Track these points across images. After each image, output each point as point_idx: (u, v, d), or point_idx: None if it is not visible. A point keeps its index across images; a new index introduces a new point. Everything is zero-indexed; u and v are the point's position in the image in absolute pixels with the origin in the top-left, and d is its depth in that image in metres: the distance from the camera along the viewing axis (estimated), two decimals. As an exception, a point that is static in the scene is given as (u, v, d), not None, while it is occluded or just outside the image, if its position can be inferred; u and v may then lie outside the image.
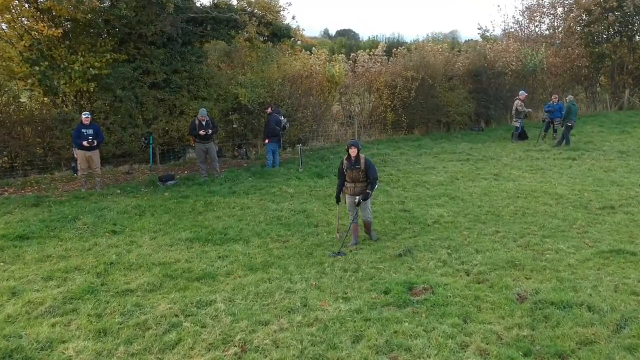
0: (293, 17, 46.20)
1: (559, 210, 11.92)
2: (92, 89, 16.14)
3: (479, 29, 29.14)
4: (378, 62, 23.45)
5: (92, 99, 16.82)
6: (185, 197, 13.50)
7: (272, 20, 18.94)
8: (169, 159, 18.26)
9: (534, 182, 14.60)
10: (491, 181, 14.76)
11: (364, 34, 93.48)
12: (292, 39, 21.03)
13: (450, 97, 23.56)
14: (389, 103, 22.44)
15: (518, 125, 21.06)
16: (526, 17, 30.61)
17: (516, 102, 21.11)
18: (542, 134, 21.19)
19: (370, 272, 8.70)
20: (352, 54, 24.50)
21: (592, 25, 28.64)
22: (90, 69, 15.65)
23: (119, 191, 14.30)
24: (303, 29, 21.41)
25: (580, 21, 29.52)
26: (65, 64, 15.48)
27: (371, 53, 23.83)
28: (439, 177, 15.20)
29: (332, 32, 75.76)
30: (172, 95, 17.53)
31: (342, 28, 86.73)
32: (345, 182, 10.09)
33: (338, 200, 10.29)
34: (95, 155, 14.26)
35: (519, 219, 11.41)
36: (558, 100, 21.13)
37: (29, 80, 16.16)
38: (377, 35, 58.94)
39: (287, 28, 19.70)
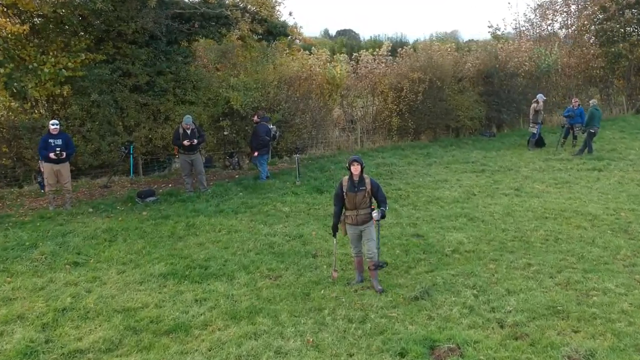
0: (290, 14, 43.46)
1: (597, 236, 10.25)
2: (65, 93, 14.46)
3: (489, 27, 27.49)
4: (382, 62, 21.77)
5: (66, 104, 15.14)
6: (165, 218, 11.81)
7: (266, 17, 17.24)
8: (153, 169, 16.58)
9: (560, 198, 12.92)
10: (512, 197, 13.07)
11: (365, 34, 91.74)
12: (290, 37, 19.34)
13: (459, 100, 21.88)
14: (395, 107, 20.75)
15: (535, 132, 19.37)
16: (538, 14, 28.93)
17: (533, 105, 19.41)
18: (561, 140, 19.51)
19: (380, 324, 7.03)
20: (355, 54, 22.82)
21: (607, 23, 26.93)
22: (63, 70, 13.96)
23: (91, 210, 12.61)
24: (301, 27, 19.71)
25: (595, 19, 27.83)
26: (35, 65, 13.78)
27: (375, 53, 22.16)
28: (454, 193, 13.51)
29: (332, 32, 73.99)
30: (156, 99, 15.85)
31: (342, 28, 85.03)
32: (345, 210, 8.34)
33: (335, 232, 8.54)
34: (65, 168, 12.57)
35: (551, 247, 9.74)
36: (579, 105, 19.42)
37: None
38: (378, 35, 57.21)
39: (284, 25, 18.01)
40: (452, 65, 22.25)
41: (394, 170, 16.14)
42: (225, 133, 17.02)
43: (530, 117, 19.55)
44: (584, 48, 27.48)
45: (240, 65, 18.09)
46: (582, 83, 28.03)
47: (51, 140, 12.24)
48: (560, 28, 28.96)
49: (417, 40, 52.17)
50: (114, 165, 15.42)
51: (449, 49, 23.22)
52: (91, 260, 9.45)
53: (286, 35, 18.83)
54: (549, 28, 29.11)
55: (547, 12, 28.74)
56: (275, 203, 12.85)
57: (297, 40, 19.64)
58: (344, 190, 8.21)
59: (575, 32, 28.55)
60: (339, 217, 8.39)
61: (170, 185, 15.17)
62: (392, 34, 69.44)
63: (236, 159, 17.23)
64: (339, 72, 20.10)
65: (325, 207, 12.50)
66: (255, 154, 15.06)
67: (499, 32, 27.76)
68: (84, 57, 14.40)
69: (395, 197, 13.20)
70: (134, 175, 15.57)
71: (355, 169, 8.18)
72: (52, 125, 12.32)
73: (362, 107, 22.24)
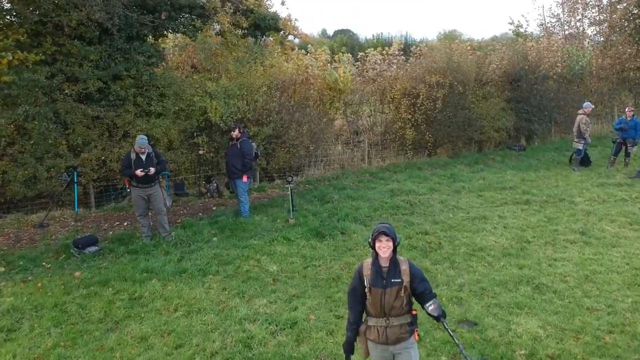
0: (282, 3, 38.66)
1: None
2: (-14, 104, 11.06)
3: (510, 23, 23.96)
4: (393, 63, 18.34)
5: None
6: (102, 284, 8.34)
7: (253, 7, 13.79)
8: (109, 199, 13.09)
9: (647, 248, 9.51)
10: (582, 247, 9.63)
11: (363, 34, 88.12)
12: (282, 32, 15.83)
13: (484, 108, 18.46)
14: (409, 117, 17.29)
15: (581, 148, 15.90)
16: (566, 9, 25.48)
17: (580, 117, 15.99)
18: (611, 158, 16.10)
19: None
20: (361, 54, 19.37)
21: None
22: (-19, 74, 10.57)
23: (2, 268, 9.15)
24: (296, 20, 16.18)
25: (630, 16, 24.39)
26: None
27: (384, 52, 18.73)
28: (501, 239, 10.06)
29: (330, 32, 70.29)
30: (110, 110, 12.44)
31: (340, 28, 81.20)
32: (367, 316, 4.91)
33: (349, 354, 5.03)
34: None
35: (678, 348, 6.32)
36: (633, 115, 15.98)
37: None
38: (381, 33, 53.59)
39: (274, 17, 14.57)
40: (475, 66, 18.80)
41: (414, 200, 12.68)
42: (201, 152, 13.55)
43: (575, 130, 16.09)
44: (619, 47, 24.04)
45: (221, 67, 14.61)
46: (616, 86, 24.58)
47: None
48: (591, 25, 25.47)
49: (422, 39, 48.81)
50: (55, 196, 11.92)
51: (470, 48, 19.81)
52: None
53: (278, 29, 15.35)
54: (578, 25, 25.64)
55: (577, 6, 25.29)
56: (260, 256, 9.39)
57: (292, 37, 16.14)
58: (366, 283, 4.79)
59: (608, 29, 25.09)
60: (356, 329, 4.94)
61: (126, 223, 11.68)
62: (396, 33, 65.87)
63: (215, 185, 13.74)
64: (342, 74, 16.66)
65: (328, 264, 9.07)
66: (245, 179, 11.63)
67: (521, 30, 24.26)
68: (11, 58, 10.93)
69: (423, 246, 9.74)
70: (79, 210, 12.06)
71: (385, 245, 4.77)
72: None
73: (369, 116, 18.76)
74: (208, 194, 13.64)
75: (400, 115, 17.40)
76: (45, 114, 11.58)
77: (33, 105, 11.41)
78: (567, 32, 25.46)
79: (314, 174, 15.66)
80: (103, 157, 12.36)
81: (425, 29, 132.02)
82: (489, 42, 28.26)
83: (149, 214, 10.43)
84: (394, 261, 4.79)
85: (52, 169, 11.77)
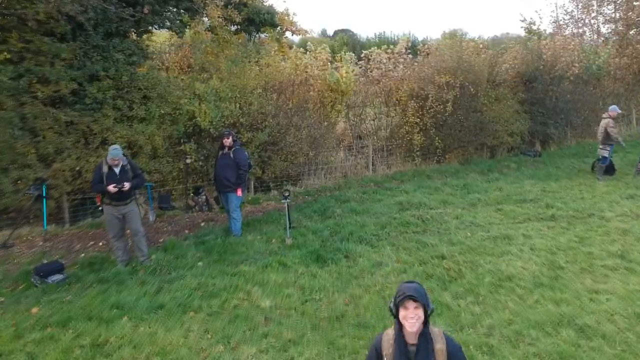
0: None
1: None
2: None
3: (522, 20, 22.56)
4: (400, 63, 17.01)
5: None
6: (63, 324, 6.98)
7: (246, 0, 12.42)
8: (85, 214, 11.73)
9: (701, 276, 8.17)
10: (625, 275, 8.27)
11: (363, 34, 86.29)
12: (279, 28, 14.43)
13: (497, 111, 17.12)
14: (417, 121, 15.94)
15: (606, 155, 14.54)
16: (580, 6, 24.14)
17: (605, 121, 14.63)
18: (638, 165, 14.75)
19: None
20: (365, 52, 18.03)
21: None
22: None
23: (-52, 303, 7.83)
24: (294, 14, 14.75)
25: (647, 12, 23.08)
26: None
27: (389, 51, 17.40)
28: (528, 265, 8.71)
29: (330, 32, 68.58)
30: (87, 115, 11.11)
31: (340, 28, 79.19)
32: None
33: None
34: None
35: None
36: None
37: None
38: (384, 32, 52.00)
39: (270, 12, 13.21)
40: (488, 66, 17.43)
41: (426, 215, 11.33)
42: (188, 161, 12.19)
43: (599, 135, 14.74)
44: (637, 45, 22.70)
45: (212, 67, 13.27)
46: (633, 87, 23.22)
47: None
48: (606, 22, 24.12)
49: (425, 39, 47.40)
50: (23, 212, 10.56)
51: (482, 46, 18.46)
52: None
53: (274, 25, 13.97)
54: (593, 22, 24.30)
55: (591, 2, 23.94)
56: (251, 287, 8.04)
57: (290, 33, 14.77)
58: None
59: (624, 26, 23.73)
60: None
61: (102, 243, 10.31)
62: (398, 32, 64.38)
63: (204, 197, 12.40)
64: (344, 75, 15.33)
65: (331, 296, 7.73)
66: (239, 192, 10.30)
67: (534, 27, 22.88)
68: (-31, 56, 9.63)
69: (441, 274, 8.38)
70: (48, 227, 10.69)
71: (413, 317, 3.45)
72: None
73: (373, 120, 17.38)
74: (196, 207, 12.30)
75: (407, 119, 16.03)
76: (10, 120, 10.26)
77: (-6, 109, 10.10)
78: (580, 30, 24.12)
79: (314, 184, 14.31)
80: (78, 167, 11.02)
81: (427, 29, 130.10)
82: (501, 41, 26.88)
83: (125, 235, 9.08)
84: (425, 336, 3.45)
85: (19, 181, 10.43)
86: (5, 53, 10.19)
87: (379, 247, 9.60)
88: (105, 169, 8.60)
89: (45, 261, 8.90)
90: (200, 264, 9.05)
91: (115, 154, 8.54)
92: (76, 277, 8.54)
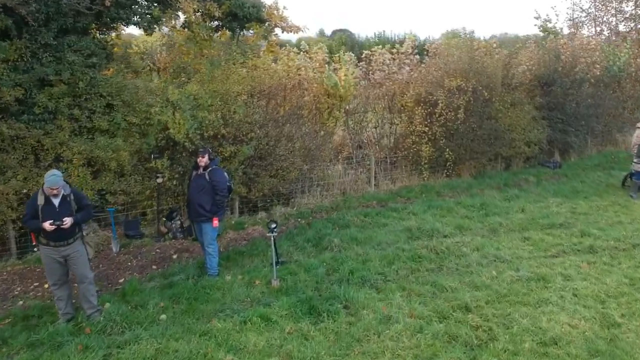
0: None
1: None
2: None
3: (536, 18, 20.77)
4: (405, 64, 15.22)
5: None
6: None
7: (227, -8, 10.64)
8: (35, 246, 9.89)
9: None
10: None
11: (362, 33, 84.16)
12: (267, 24, 12.52)
13: (514, 118, 15.34)
14: (425, 130, 14.14)
15: (640, 170, 12.80)
16: (598, 3, 22.34)
17: (639, 131, 12.88)
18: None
19: None
20: (366, 52, 16.24)
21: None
22: None
23: None
24: (285, 8, 12.81)
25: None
26: None
27: (394, 51, 15.62)
28: (575, 320, 6.89)
29: (328, 32, 66.47)
30: (36, 128, 9.29)
31: (339, 28, 76.88)
32: None
33: None
34: None
35: None
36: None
37: None
38: (384, 31, 49.94)
39: (256, 5, 11.38)
40: (502, 68, 15.65)
41: (441, 247, 9.50)
42: (159, 180, 10.36)
43: (634, 146, 12.97)
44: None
45: (189, 69, 11.47)
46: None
47: None
48: (625, 20, 22.34)
49: (427, 39, 45.58)
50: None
51: (495, 46, 16.68)
52: None
53: (261, 20, 12.08)
54: (610, 20, 22.51)
55: (610, -2, 22.20)
56: (224, 354, 6.22)
57: (280, 30, 12.84)
58: None
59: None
60: None
61: (47, 285, 8.45)
62: (399, 32, 62.57)
63: (179, 222, 10.58)
64: (343, 77, 13.54)
65: (328, 371, 5.93)
66: (216, 222, 8.51)
67: (550, 25, 21.09)
68: None
69: (467, 336, 6.53)
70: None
71: None
72: None
73: (374, 127, 15.53)
74: (169, 234, 10.47)
75: (414, 127, 14.22)
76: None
77: None
78: (598, 29, 22.34)
79: (307, 203, 12.47)
80: (26, 190, 9.20)
81: (426, 28, 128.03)
82: (511, 40, 25.11)
83: (69, 281, 7.25)
84: None
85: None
86: None
87: (385, 292, 7.78)
88: (41, 200, 6.78)
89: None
90: (163, 316, 7.22)
91: (53, 181, 6.70)
92: (2, 338, 6.71)
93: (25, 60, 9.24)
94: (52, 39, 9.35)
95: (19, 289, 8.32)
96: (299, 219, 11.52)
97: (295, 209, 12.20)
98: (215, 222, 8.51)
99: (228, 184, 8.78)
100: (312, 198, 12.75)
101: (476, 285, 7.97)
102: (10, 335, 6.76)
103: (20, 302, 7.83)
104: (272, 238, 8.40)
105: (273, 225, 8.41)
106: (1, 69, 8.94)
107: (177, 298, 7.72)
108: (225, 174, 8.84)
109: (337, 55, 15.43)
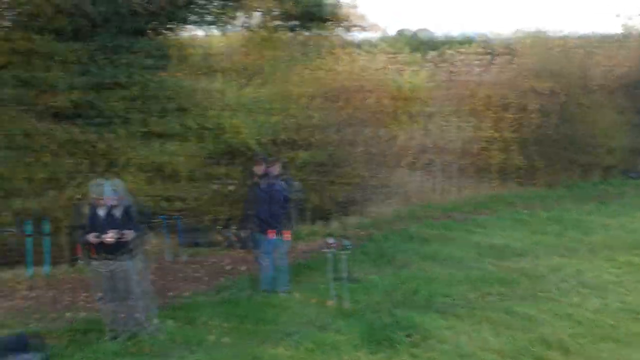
0: None
1: None
2: None
3: (617, 16, 19.38)
4: (476, 64, 14.42)
5: None
6: None
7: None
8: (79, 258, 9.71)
9: None
10: None
11: (439, 32, 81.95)
12: (345, 23, 11.53)
13: (598, 123, 14.29)
14: (497, 134, 13.30)
15: None
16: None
17: None
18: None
19: None
20: (450, 52, 15.20)
21: None
22: None
23: None
24: (355, 6, 11.91)
25: None
26: None
27: (481, 49, 14.92)
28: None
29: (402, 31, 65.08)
30: (96, 132, 9.10)
31: (420, 27, 74.46)
32: None
33: None
34: None
35: None
36: None
37: None
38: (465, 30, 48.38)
39: (333, 5, 10.85)
40: (581, 68, 14.63)
41: (514, 267, 8.69)
42: (216, 187, 10.00)
43: None
44: None
45: (253, 68, 11.09)
46: None
47: None
48: None
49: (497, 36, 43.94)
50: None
51: (573, 45, 15.60)
52: None
53: (339, 20, 11.27)
54: None
55: None
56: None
57: (358, 30, 11.87)
58: None
59: None
60: None
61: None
62: (466, 31, 60.58)
63: (240, 232, 10.05)
64: (419, 79, 12.90)
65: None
66: (287, 235, 8.09)
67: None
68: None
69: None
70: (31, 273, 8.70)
71: None
72: None
73: (441, 131, 14.65)
74: (225, 243, 10.06)
75: (485, 132, 13.41)
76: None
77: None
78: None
79: (370, 214, 11.89)
80: (80, 196, 9.01)
81: (489, 26, 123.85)
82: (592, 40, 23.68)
83: (118, 296, 6.90)
84: None
85: (3, 214, 8.54)
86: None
87: (453, 319, 7.07)
88: (93, 210, 6.48)
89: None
90: (214, 331, 6.76)
91: (104, 191, 6.38)
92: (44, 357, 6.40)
93: (85, 62, 9.06)
94: (110, 40, 9.13)
95: (69, 298, 8.08)
96: (358, 230, 10.95)
97: (357, 219, 11.62)
98: (287, 235, 8.05)
99: (299, 193, 8.33)
100: (374, 207, 12.15)
101: (558, 315, 7.15)
102: (58, 353, 6.42)
103: (68, 314, 7.57)
104: (330, 256, 7.83)
105: (331, 241, 7.87)
106: (57, 71, 8.78)
107: (227, 316, 7.22)
108: (283, 183, 8.35)
109: (405, 54, 14.65)
